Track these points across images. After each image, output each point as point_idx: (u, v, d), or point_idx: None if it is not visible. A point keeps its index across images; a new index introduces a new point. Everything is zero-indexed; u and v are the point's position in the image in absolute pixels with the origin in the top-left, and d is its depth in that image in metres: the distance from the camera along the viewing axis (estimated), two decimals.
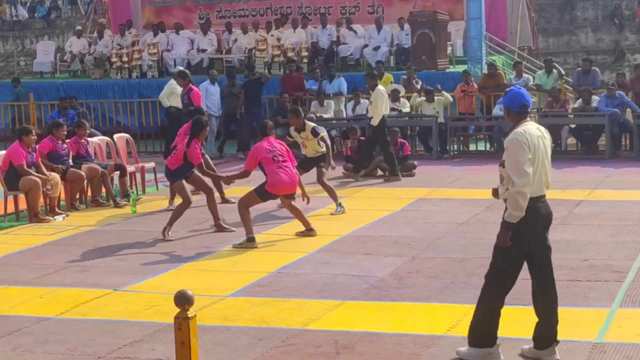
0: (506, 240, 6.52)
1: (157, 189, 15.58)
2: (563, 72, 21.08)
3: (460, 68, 21.63)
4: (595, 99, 18.18)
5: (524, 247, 6.54)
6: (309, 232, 11.46)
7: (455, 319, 7.71)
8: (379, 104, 15.61)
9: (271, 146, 11.24)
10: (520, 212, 6.38)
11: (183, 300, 5.19)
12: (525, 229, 6.46)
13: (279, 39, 23.27)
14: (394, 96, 19.03)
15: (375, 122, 15.61)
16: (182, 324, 5.17)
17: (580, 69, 20.19)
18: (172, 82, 19.14)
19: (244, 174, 11.50)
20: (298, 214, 11.53)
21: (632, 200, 12.71)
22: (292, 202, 11.48)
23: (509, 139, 6.49)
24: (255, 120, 18.75)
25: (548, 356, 6.61)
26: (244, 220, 11.06)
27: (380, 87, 16.13)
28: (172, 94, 18.98)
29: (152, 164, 15.82)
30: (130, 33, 25.62)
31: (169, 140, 19.42)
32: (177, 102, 19.21)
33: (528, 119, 6.60)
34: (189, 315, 5.18)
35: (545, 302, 6.69)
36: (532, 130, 6.47)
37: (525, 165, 6.32)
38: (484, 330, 6.67)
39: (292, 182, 11.21)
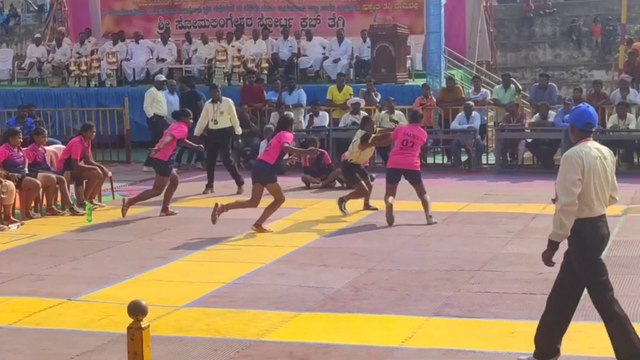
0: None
1: (113, 198, 15.46)
2: (520, 87, 21.26)
3: (419, 81, 21.74)
4: (552, 113, 18.36)
5: (598, 256, 6.52)
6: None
7: (410, 330, 7.72)
8: None
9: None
10: (564, 232, 6.37)
11: (136, 310, 5.15)
12: (594, 248, 6.47)
13: (239, 50, 23.24)
14: (354, 109, 19.08)
15: None
16: (135, 334, 5.14)
17: (537, 84, 20.38)
18: (152, 89, 19.09)
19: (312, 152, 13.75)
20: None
21: None
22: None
23: (564, 156, 6.53)
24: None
25: None
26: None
27: None
28: (153, 102, 18.92)
29: (108, 174, 15.68)
30: (89, 42, 25.46)
31: None
32: (159, 110, 19.16)
33: (590, 138, 6.57)
34: (142, 326, 5.14)
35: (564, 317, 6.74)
36: (591, 150, 6.45)
37: (574, 185, 6.30)
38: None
39: None
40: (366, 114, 19.15)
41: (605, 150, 6.57)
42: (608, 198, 6.55)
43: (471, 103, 19.08)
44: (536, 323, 7.60)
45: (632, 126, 17.25)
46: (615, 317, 6.53)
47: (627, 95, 18.60)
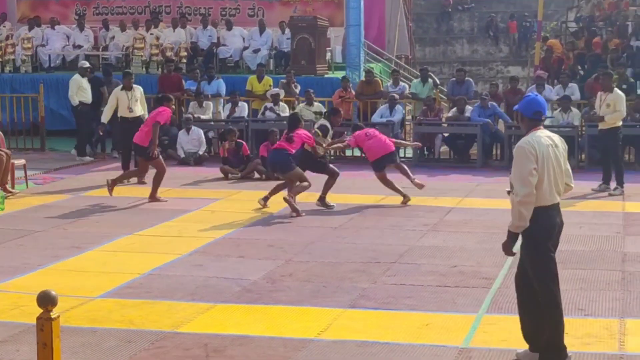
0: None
1: (27, 187, 15.17)
2: (438, 82, 21.47)
3: (338, 74, 21.80)
4: (469, 108, 18.58)
5: (551, 253, 6.53)
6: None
7: (326, 322, 7.74)
8: None
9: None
10: (524, 222, 6.36)
11: (46, 300, 5.05)
12: (545, 238, 6.47)
13: (157, 38, 23.00)
14: (274, 100, 19.06)
15: None
16: (44, 325, 5.03)
17: (454, 79, 20.60)
18: (77, 77, 18.73)
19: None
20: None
21: (501, 208, 12.98)
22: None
23: (516, 147, 6.51)
24: (95, 121, 18.43)
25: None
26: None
27: None
28: (79, 89, 18.60)
29: (22, 161, 15.39)
30: (4, 27, 24.86)
31: (81, 138, 19.06)
32: (84, 97, 18.81)
33: (541, 127, 6.59)
34: (52, 316, 5.04)
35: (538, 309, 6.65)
36: (542, 138, 6.46)
37: (530, 175, 6.30)
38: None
39: None
40: (286, 105, 19.20)
41: (556, 138, 6.59)
42: (562, 186, 6.58)
43: (396, 96, 19.21)
44: (451, 315, 7.72)
45: (547, 122, 17.52)
46: (556, 308, 6.54)
47: (543, 92, 18.89)
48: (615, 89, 14.94)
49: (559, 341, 6.51)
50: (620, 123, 14.84)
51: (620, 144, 15.03)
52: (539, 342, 6.57)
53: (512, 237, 6.51)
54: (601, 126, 14.86)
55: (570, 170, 6.68)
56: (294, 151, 13.05)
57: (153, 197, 13.89)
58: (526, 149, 6.38)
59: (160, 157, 14.27)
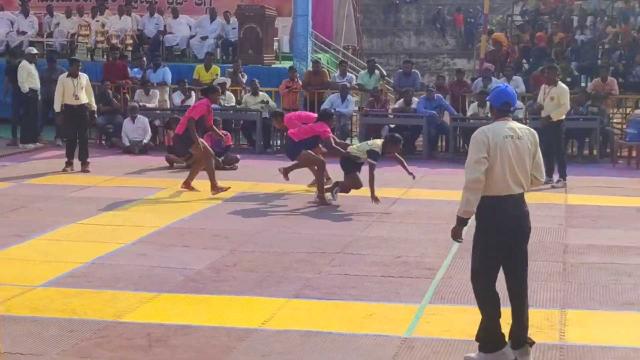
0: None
1: None
2: (385, 73, 21.53)
3: (286, 64, 21.76)
4: (415, 100, 18.66)
5: (495, 245, 6.52)
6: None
7: (270, 312, 7.74)
8: None
9: None
10: (470, 208, 6.42)
11: None
12: (492, 228, 6.49)
13: (103, 25, 22.74)
14: (221, 89, 18.95)
15: None
16: None
17: (401, 70, 20.66)
18: (25, 63, 18.43)
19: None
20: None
21: (446, 199, 13.11)
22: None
23: (472, 135, 6.56)
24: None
25: (522, 356, 6.60)
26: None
27: None
28: (28, 76, 18.32)
29: None
30: None
31: (29, 125, 18.72)
32: (33, 84, 18.53)
33: (509, 118, 6.62)
34: None
35: (519, 304, 6.68)
36: (500, 129, 6.48)
37: (478, 162, 6.35)
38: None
39: None
40: (232, 94, 19.14)
41: (522, 130, 6.59)
42: (527, 179, 6.57)
43: (348, 85, 19.23)
44: (394, 305, 7.75)
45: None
46: (482, 300, 6.62)
47: (489, 84, 19.05)
48: (560, 82, 15.10)
49: (487, 333, 6.58)
50: (564, 116, 15.01)
51: (563, 137, 15.19)
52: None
53: (459, 222, 6.56)
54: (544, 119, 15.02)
55: (540, 164, 6.66)
56: (297, 139, 13.43)
57: (215, 188, 13.56)
58: (478, 138, 6.45)
59: (205, 147, 13.96)
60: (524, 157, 6.52)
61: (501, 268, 6.64)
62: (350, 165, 13.28)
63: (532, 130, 6.70)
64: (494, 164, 6.40)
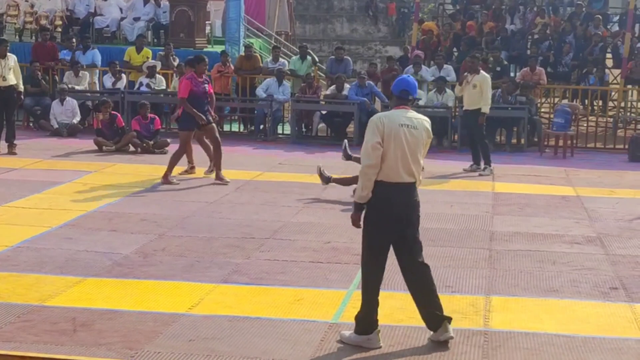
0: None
1: None
2: (317, 59, 21.54)
3: (218, 48, 21.65)
4: (347, 87, 18.70)
5: (383, 232, 6.60)
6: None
7: (198, 297, 7.72)
8: None
9: None
10: (365, 193, 6.49)
11: None
12: (380, 213, 6.54)
13: (32, 6, 22.35)
14: (151, 72, 18.81)
15: None
16: None
17: (333, 57, 20.69)
18: None
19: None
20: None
21: None
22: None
23: (369, 120, 6.64)
24: None
25: (442, 334, 6.71)
26: None
27: None
28: None
29: None
30: None
31: None
32: None
33: (408, 106, 6.68)
34: None
35: (424, 289, 6.77)
36: (396, 117, 6.55)
37: (373, 148, 6.43)
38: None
39: None
40: (162, 78, 18.98)
41: (420, 120, 6.66)
42: (418, 168, 6.65)
43: (283, 68, 19.18)
44: (322, 291, 7.78)
45: (421, 103, 17.80)
46: (365, 285, 6.73)
47: (419, 71, 19.20)
48: (482, 71, 15.19)
49: (363, 315, 6.69)
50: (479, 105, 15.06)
51: (484, 125, 15.26)
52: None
53: (356, 207, 6.67)
54: (466, 107, 15.18)
55: (421, 155, 6.71)
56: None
57: (166, 178, 13.20)
58: (374, 123, 6.56)
59: (212, 126, 13.68)
60: (417, 146, 6.63)
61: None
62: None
63: (428, 120, 6.80)
64: (388, 150, 6.51)
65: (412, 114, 6.69)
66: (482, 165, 14.92)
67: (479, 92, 14.81)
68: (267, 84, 18.97)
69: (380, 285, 6.75)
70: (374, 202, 6.56)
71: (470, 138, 15.60)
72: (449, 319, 6.75)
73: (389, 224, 6.60)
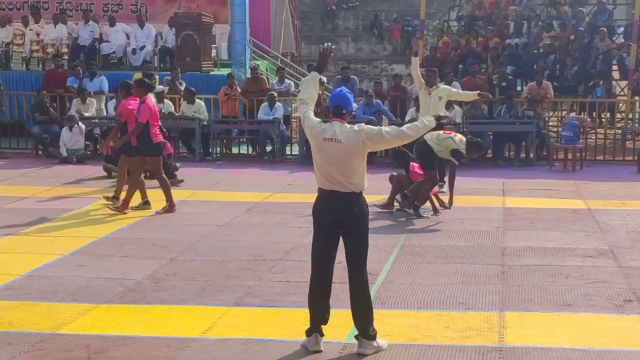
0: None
1: None
2: (324, 80, 21.56)
3: (224, 71, 21.71)
4: (354, 106, 18.68)
5: (318, 234, 6.90)
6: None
7: (211, 321, 7.70)
8: None
9: None
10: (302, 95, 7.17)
11: None
12: (314, 219, 6.92)
13: (38, 34, 22.48)
14: (159, 98, 18.87)
15: None
16: None
17: (339, 76, 20.73)
18: None
19: None
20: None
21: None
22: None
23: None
24: None
25: (360, 347, 6.90)
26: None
27: None
28: None
29: None
30: None
31: None
32: None
33: (340, 119, 6.84)
34: None
35: (357, 298, 6.94)
36: (325, 131, 6.78)
37: (305, 118, 6.93)
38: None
39: None
40: (171, 103, 19.03)
41: (348, 132, 6.75)
42: (348, 178, 6.75)
43: (274, 93, 19.21)
44: (335, 311, 7.74)
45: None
46: (309, 288, 7.03)
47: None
48: (439, 83, 14.92)
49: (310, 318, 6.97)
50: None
51: None
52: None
53: None
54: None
55: (354, 170, 6.78)
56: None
57: (125, 205, 12.88)
58: (313, 122, 6.88)
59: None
60: (342, 159, 6.76)
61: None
62: (430, 159, 12.54)
63: (360, 125, 6.85)
64: (315, 157, 6.87)
65: (344, 127, 6.81)
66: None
67: (444, 104, 14.64)
68: (263, 108, 19.04)
69: (326, 299, 6.99)
70: (313, 208, 6.90)
71: None
72: (373, 336, 6.92)
73: (319, 228, 6.88)
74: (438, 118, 7.24)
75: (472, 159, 12.52)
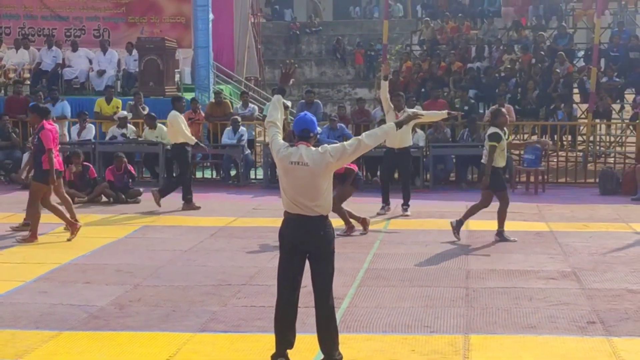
0: None
1: None
2: (289, 104, 21.58)
3: (188, 95, 21.65)
4: (319, 130, 18.71)
5: (283, 256, 6.92)
6: None
7: (175, 347, 7.65)
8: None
9: None
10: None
11: None
12: (280, 242, 6.93)
13: (0, 59, 22.36)
14: (122, 123, 18.82)
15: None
16: None
17: (303, 100, 20.79)
18: None
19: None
20: None
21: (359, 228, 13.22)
22: None
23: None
24: None
25: None
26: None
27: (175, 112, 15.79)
28: None
29: None
30: None
31: None
32: None
33: (306, 142, 6.88)
34: None
35: (322, 323, 6.96)
36: (292, 154, 6.79)
37: (272, 141, 7.00)
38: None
39: None
40: (134, 127, 18.93)
41: (314, 155, 6.79)
42: (314, 201, 6.78)
43: (238, 118, 19.22)
44: (300, 336, 7.73)
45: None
46: (276, 309, 7.05)
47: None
48: (406, 107, 15.01)
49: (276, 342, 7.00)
50: (410, 143, 15.11)
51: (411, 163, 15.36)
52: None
53: None
54: (397, 145, 14.66)
55: (320, 192, 6.82)
56: None
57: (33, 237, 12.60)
58: (280, 145, 6.91)
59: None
60: (308, 182, 6.79)
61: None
62: (498, 180, 12.34)
63: (324, 147, 6.92)
64: (281, 181, 6.90)
65: (310, 150, 6.85)
66: (392, 205, 14.88)
67: (408, 129, 14.73)
68: (227, 132, 19.04)
69: (291, 323, 7.01)
70: (279, 232, 6.91)
71: (390, 176, 15.36)
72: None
73: (285, 252, 6.90)
74: (399, 124, 7.25)
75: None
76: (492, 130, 12.28)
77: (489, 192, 12.48)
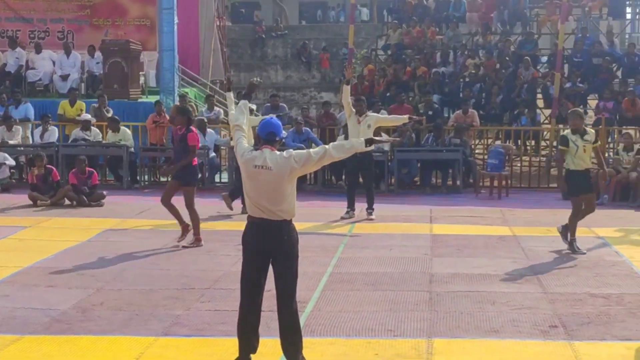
0: None
1: None
2: (254, 107, 21.56)
3: (152, 98, 21.61)
4: (284, 133, 18.72)
5: (247, 262, 6.91)
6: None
7: (138, 351, 7.61)
8: None
9: None
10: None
11: None
12: (244, 247, 6.92)
13: None
14: (85, 126, 18.69)
15: None
16: None
17: (269, 104, 20.77)
18: None
19: None
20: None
21: (315, 233, 13.21)
22: None
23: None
24: None
25: None
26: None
27: None
28: None
29: None
30: None
31: None
32: None
33: (271, 146, 6.86)
34: None
35: (286, 328, 6.95)
36: (256, 158, 6.77)
37: (237, 144, 6.96)
38: None
39: None
40: (98, 130, 18.86)
41: (278, 159, 6.78)
42: (276, 205, 6.77)
43: (204, 118, 19.16)
44: (264, 340, 7.72)
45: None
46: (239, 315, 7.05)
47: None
48: (368, 111, 15.02)
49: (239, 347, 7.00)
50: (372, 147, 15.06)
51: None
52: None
53: None
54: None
55: (284, 196, 6.82)
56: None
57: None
58: (245, 148, 6.89)
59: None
60: (272, 186, 6.79)
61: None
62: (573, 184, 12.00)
63: (289, 152, 6.91)
64: (245, 185, 6.90)
65: (274, 154, 6.85)
66: (357, 209, 14.87)
67: (372, 131, 14.75)
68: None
69: (255, 327, 7.02)
70: (243, 236, 6.91)
71: (356, 182, 15.34)
72: None
73: (248, 257, 6.89)
74: (370, 141, 7.25)
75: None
76: (562, 134, 12.11)
77: (578, 197, 12.02)
